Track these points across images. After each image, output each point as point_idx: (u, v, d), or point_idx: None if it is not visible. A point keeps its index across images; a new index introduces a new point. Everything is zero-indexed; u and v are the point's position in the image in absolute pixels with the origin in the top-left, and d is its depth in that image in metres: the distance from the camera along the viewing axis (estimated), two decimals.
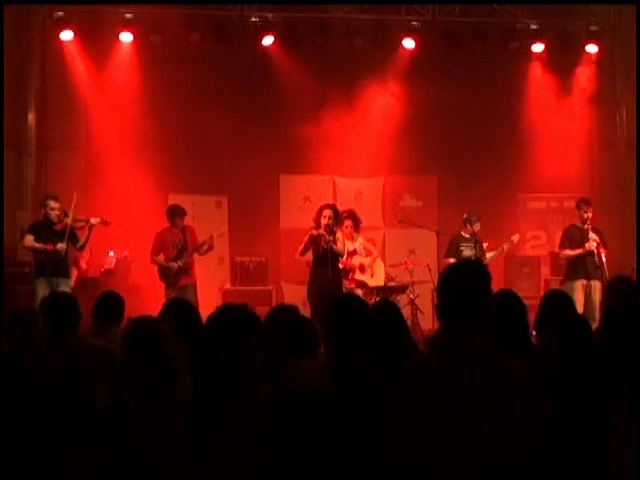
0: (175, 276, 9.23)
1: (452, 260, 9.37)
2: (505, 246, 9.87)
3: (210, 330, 3.14)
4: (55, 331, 4.18)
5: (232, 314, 3.15)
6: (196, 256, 9.46)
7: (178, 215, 9.40)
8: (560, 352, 3.48)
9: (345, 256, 9.38)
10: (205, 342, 3.11)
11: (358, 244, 9.69)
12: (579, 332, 3.56)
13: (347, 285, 9.45)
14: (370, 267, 9.77)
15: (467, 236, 9.66)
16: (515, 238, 9.89)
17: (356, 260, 9.61)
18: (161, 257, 9.34)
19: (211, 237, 9.50)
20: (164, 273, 9.29)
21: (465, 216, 9.66)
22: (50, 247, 8.41)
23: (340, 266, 9.32)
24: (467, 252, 9.49)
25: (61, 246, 8.42)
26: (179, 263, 9.23)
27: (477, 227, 9.62)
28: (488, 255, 9.69)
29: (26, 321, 4.27)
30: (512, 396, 2.53)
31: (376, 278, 9.83)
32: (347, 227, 9.46)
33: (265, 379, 3.55)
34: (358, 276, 9.59)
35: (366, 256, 9.79)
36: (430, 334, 8.86)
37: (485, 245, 9.67)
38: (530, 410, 2.53)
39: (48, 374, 3.83)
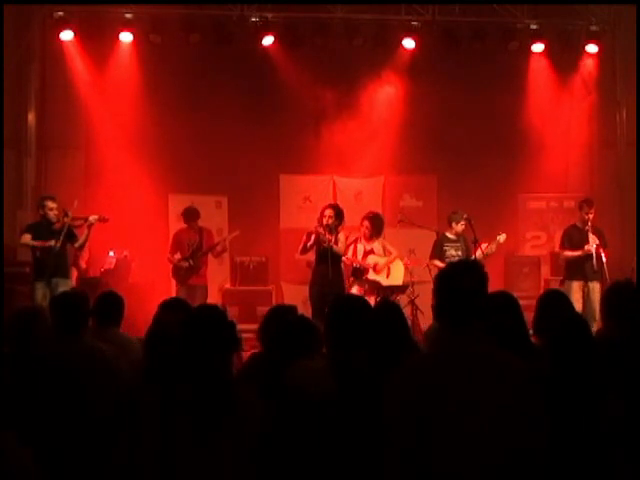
0: (184, 275, 9.46)
1: (437, 261, 9.38)
2: (492, 247, 9.80)
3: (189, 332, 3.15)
4: (60, 332, 4.17)
5: (205, 317, 3.17)
6: (210, 258, 9.75)
7: (192, 218, 9.68)
8: (559, 352, 3.48)
9: (361, 255, 9.36)
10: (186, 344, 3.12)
11: (377, 244, 9.61)
12: (578, 331, 3.56)
13: (360, 286, 9.41)
14: (386, 267, 9.68)
15: (452, 236, 9.63)
16: (501, 238, 9.77)
17: (371, 260, 9.55)
18: (177, 256, 9.58)
19: (224, 239, 9.70)
20: (177, 272, 9.56)
21: (449, 215, 9.64)
22: (45, 244, 8.43)
23: (354, 264, 9.31)
24: (451, 252, 9.46)
25: (54, 242, 8.41)
26: (190, 262, 9.45)
27: (461, 227, 9.54)
28: (474, 257, 9.63)
29: (28, 321, 4.27)
30: (511, 396, 2.54)
31: (393, 278, 9.74)
32: (366, 228, 9.46)
33: (266, 379, 3.56)
34: (372, 276, 9.53)
35: (386, 256, 9.70)
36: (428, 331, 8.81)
37: (485, 246, 9.63)
38: (529, 410, 2.54)
39: (47, 374, 3.84)
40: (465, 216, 9.54)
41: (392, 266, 9.75)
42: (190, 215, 9.69)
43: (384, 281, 9.60)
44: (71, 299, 4.37)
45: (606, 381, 3.28)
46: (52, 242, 8.43)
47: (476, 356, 2.61)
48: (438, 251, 9.55)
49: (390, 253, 9.79)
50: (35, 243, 8.53)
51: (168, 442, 2.95)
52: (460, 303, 2.65)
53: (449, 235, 9.64)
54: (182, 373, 3.08)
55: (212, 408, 2.95)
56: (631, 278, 9.40)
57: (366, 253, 9.50)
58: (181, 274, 9.51)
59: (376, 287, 9.52)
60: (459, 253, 9.44)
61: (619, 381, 3.32)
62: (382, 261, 9.61)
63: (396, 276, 9.79)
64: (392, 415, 2.63)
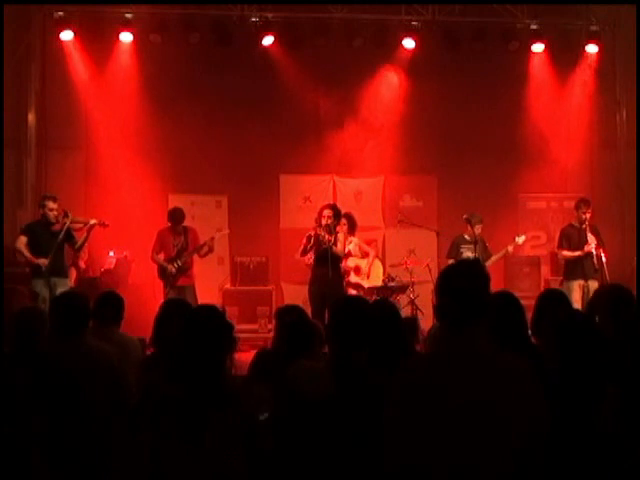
0: (173, 276, 9.29)
1: (452, 261, 9.37)
2: (510, 248, 9.81)
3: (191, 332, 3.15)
4: (61, 332, 4.16)
5: (204, 317, 3.17)
6: (196, 257, 9.50)
7: (178, 219, 9.44)
8: (561, 350, 3.47)
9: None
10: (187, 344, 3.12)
11: (353, 245, 9.67)
12: (581, 329, 3.56)
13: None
14: (367, 269, 9.72)
15: (468, 237, 9.64)
16: (520, 240, 9.81)
17: (351, 262, 9.58)
18: (161, 256, 9.40)
19: (212, 239, 9.54)
20: (163, 272, 9.34)
21: (465, 217, 9.62)
22: (33, 260, 8.36)
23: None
24: (467, 253, 9.47)
25: (42, 262, 8.35)
26: (178, 264, 9.27)
27: (478, 229, 9.56)
28: (493, 257, 9.66)
29: (28, 321, 4.27)
30: (512, 396, 2.54)
31: (373, 279, 9.78)
32: (343, 224, 9.46)
33: (273, 378, 3.58)
34: (353, 278, 9.56)
35: (362, 257, 9.76)
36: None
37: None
38: (529, 410, 2.54)
39: (47, 375, 3.83)
40: (465, 216, 9.55)
41: (371, 267, 9.80)
42: (176, 216, 9.43)
43: (365, 283, 9.63)
44: (73, 300, 4.36)
45: (601, 381, 3.28)
46: (40, 261, 8.34)
47: (477, 356, 2.61)
48: (454, 252, 9.57)
49: (367, 253, 9.84)
50: (27, 256, 8.41)
51: (166, 441, 2.95)
52: (461, 303, 2.64)
53: (466, 236, 9.62)
54: (180, 372, 3.08)
55: (209, 407, 2.96)
56: (631, 279, 9.44)
57: (344, 255, 9.51)
58: (168, 275, 9.30)
59: (360, 289, 9.55)
60: (474, 254, 9.42)
61: (616, 380, 3.32)
62: (364, 263, 9.66)
63: (376, 276, 9.84)
64: (393, 415, 2.63)
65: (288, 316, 4.53)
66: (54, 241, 8.45)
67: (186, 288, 9.26)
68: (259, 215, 11.51)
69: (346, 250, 9.52)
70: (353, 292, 9.35)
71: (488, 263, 9.32)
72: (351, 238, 9.68)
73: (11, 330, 4.20)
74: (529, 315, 4.14)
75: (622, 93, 12.18)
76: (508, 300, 3.87)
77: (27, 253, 8.44)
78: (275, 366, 3.88)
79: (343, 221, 9.44)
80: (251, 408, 3.06)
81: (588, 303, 4.86)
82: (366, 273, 9.71)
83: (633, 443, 3.13)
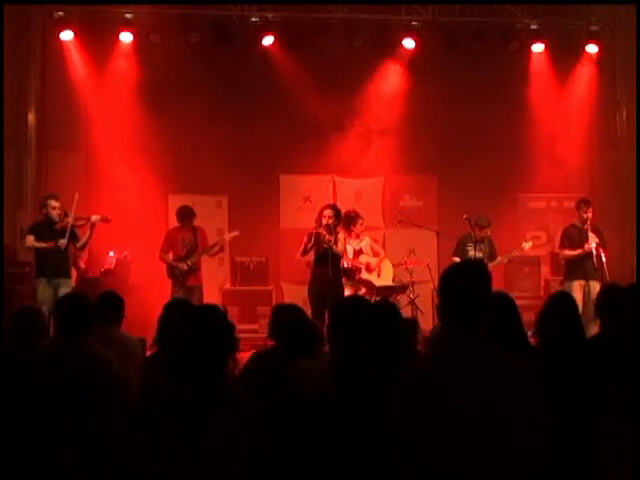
0: (183, 276, 9.32)
1: (456, 259, 9.38)
2: (515, 252, 9.81)
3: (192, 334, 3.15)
4: (64, 333, 4.15)
5: (206, 317, 3.17)
6: (203, 257, 9.55)
7: (188, 217, 9.48)
8: (556, 352, 3.49)
9: (351, 255, 9.38)
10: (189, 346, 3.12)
11: (365, 243, 9.68)
12: (571, 333, 3.57)
13: (352, 287, 9.41)
14: (377, 267, 9.72)
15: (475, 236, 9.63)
16: (527, 246, 9.79)
17: (363, 259, 9.58)
18: (170, 256, 9.41)
19: (223, 238, 9.61)
20: (172, 272, 9.36)
21: (465, 217, 9.55)
22: (51, 244, 8.39)
23: (345, 264, 9.29)
24: (471, 252, 9.46)
25: (62, 242, 8.39)
26: (188, 263, 9.30)
27: (485, 232, 9.56)
28: (498, 259, 9.64)
29: (28, 321, 4.26)
30: (513, 396, 2.54)
31: (383, 278, 9.78)
32: (362, 225, 9.47)
33: (272, 379, 3.58)
34: (364, 275, 9.56)
35: (373, 256, 9.76)
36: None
37: None
38: (530, 410, 2.54)
39: (47, 376, 3.84)
40: (465, 216, 9.54)
41: (382, 266, 9.81)
42: (185, 214, 9.47)
43: (376, 281, 9.64)
44: (76, 301, 4.35)
45: (601, 380, 3.29)
46: (60, 242, 8.36)
47: (479, 356, 2.60)
48: (460, 250, 9.57)
49: (378, 253, 9.85)
50: (39, 245, 8.45)
51: (166, 441, 2.95)
52: (464, 303, 2.64)
53: (473, 235, 9.60)
54: (181, 372, 3.08)
55: (209, 408, 2.96)
56: (631, 279, 9.43)
57: (356, 253, 9.55)
58: (178, 275, 9.31)
59: (370, 287, 9.54)
60: (480, 255, 9.41)
61: (616, 379, 3.33)
62: (374, 261, 9.66)
63: (386, 276, 9.84)
64: (394, 415, 2.63)
65: (287, 315, 4.53)
66: (59, 238, 8.43)
67: (195, 288, 9.31)
68: (259, 215, 11.52)
69: (357, 248, 9.54)
70: (362, 290, 9.35)
71: (492, 264, 9.30)
72: (364, 237, 9.70)
73: (10, 330, 4.20)
74: (530, 315, 4.14)
75: (622, 93, 12.18)
76: (504, 301, 3.87)
77: (41, 244, 8.41)
78: (275, 366, 3.88)
79: (362, 222, 9.48)
80: (252, 408, 3.06)
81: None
82: (377, 271, 9.71)
83: (634, 443, 3.13)
